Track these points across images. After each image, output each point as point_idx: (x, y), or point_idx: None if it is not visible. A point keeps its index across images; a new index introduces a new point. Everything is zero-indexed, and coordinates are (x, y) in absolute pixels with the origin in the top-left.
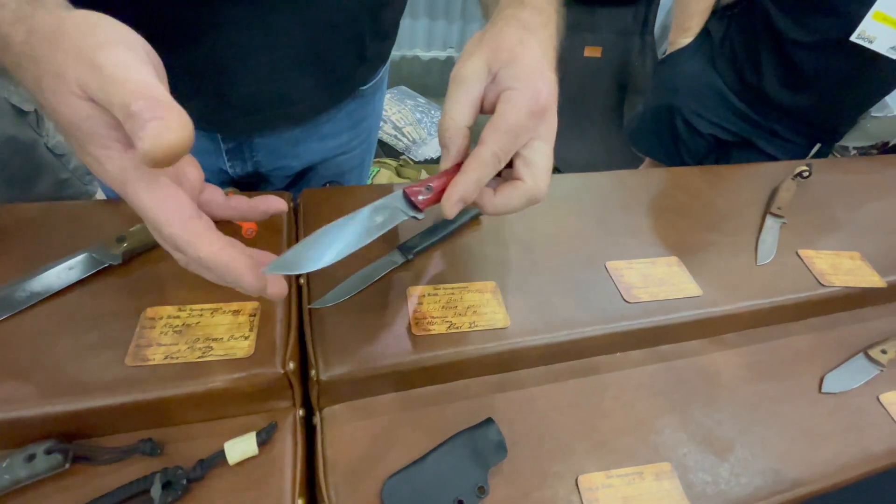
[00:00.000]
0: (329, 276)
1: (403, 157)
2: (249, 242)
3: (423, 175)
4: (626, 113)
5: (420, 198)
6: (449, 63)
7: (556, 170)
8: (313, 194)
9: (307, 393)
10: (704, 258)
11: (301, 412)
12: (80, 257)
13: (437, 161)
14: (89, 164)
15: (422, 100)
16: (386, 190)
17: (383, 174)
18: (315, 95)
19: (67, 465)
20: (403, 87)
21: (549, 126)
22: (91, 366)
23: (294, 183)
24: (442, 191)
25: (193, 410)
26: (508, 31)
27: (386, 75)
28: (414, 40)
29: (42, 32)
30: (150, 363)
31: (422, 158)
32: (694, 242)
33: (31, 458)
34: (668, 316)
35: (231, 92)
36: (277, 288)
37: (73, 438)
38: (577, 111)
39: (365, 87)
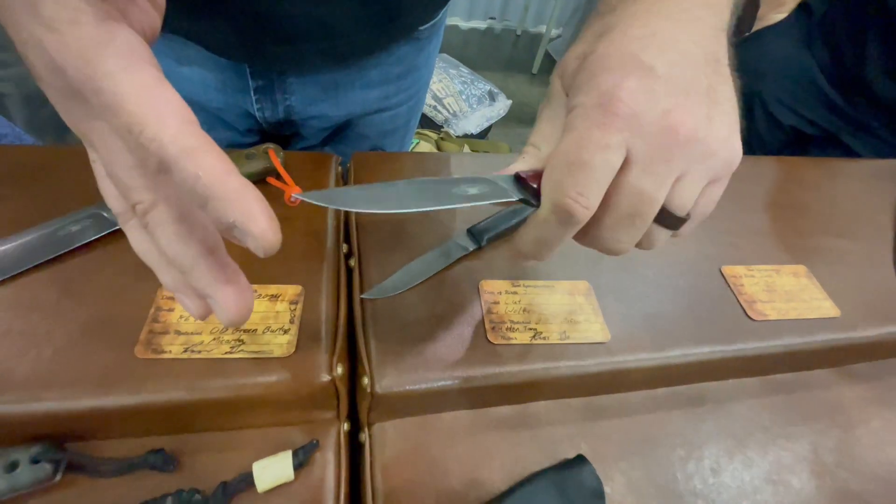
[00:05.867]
0: (385, 259)
1: (444, 129)
2: (293, 211)
3: (466, 149)
4: None
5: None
6: (488, 34)
7: None
8: (365, 157)
9: (353, 403)
10: (835, 270)
11: (346, 426)
12: (87, 215)
13: (477, 136)
14: (39, 39)
15: (465, 70)
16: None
17: (423, 146)
18: (365, 30)
19: (58, 478)
20: (446, 55)
21: None
22: (92, 353)
23: (329, 140)
24: None
25: (216, 418)
26: None
27: (444, 19)
28: (454, 8)
29: None
30: (166, 356)
31: (461, 133)
32: (820, 248)
33: (13, 466)
34: (802, 339)
35: (266, 11)
36: (241, 305)
37: (66, 441)
38: None
39: (423, 28)
